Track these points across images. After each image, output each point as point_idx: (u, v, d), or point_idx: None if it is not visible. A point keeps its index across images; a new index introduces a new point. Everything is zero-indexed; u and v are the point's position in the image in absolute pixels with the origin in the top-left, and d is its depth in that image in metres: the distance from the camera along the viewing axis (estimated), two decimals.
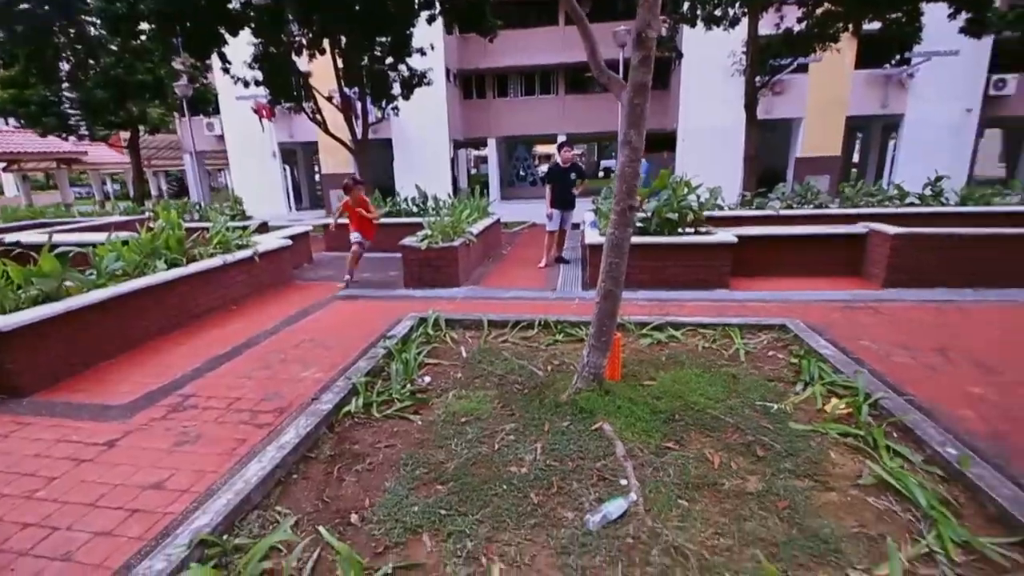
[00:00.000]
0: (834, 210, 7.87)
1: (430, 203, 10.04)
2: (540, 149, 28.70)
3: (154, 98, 18.93)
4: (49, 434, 3.20)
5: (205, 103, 20.65)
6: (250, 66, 12.22)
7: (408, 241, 6.64)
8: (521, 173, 24.35)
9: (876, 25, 10.36)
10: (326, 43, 11.94)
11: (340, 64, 12.31)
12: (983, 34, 10.03)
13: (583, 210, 8.58)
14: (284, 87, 12.73)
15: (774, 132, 17.04)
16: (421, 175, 16.11)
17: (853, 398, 3.01)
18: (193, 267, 5.35)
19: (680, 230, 5.94)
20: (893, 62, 15.24)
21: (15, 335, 3.68)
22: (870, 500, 2.26)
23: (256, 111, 18.12)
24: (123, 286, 4.56)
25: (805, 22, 10.58)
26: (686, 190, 5.98)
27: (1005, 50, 14.34)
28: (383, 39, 12.22)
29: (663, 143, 18.31)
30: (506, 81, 21.19)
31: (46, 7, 14.80)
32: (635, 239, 5.72)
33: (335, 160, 18.24)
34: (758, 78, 11.31)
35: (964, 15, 9.46)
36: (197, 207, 11.04)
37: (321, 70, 13.53)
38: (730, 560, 1.94)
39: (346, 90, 12.77)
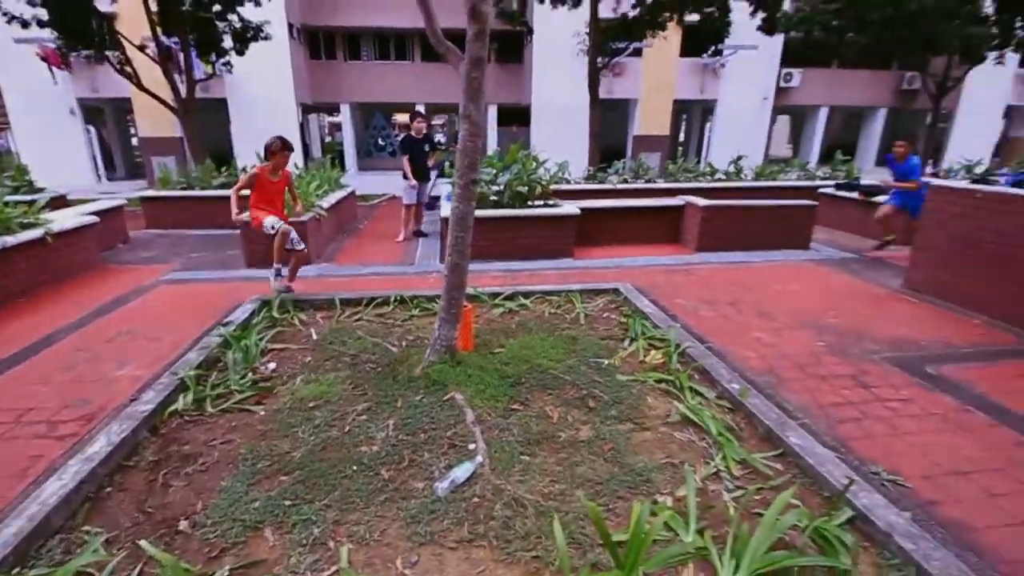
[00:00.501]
0: (661, 184, 8.88)
1: None
2: (400, 118, 27.64)
3: None
4: None
5: None
6: (30, 1, 9.82)
7: (248, 216, 6.02)
8: (380, 143, 23.28)
9: (696, 17, 11.64)
10: None
11: (154, 7, 10.45)
12: (774, 32, 11.83)
13: (440, 181, 8.54)
14: (79, 30, 10.45)
15: (615, 111, 18.46)
16: (264, 140, 14.61)
17: (667, 348, 3.51)
18: None
19: (530, 203, 6.24)
20: (709, 52, 17.31)
21: None
22: (676, 435, 2.69)
23: (44, 58, 14.67)
24: None
25: (638, 9, 11.50)
26: (535, 164, 6.27)
27: (792, 48, 17.14)
28: None
29: (518, 117, 18.80)
30: (358, 42, 19.85)
31: None
32: (488, 212, 5.92)
33: (155, 122, 15.64)
34: (600, 59, 12.08)
35: (760, 15, 11.06)
36: None
37: (132, 12, 11.37)
38: (562, 503, 2.19)
39: (164, 39, 10.92)
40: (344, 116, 19.99)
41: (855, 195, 7.91)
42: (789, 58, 18.00)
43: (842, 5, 11.89)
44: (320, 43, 19.55)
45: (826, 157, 18.67)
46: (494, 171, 6.24)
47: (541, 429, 2.69)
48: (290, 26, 16.58)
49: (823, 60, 17.66)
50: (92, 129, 17.79)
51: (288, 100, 16.97)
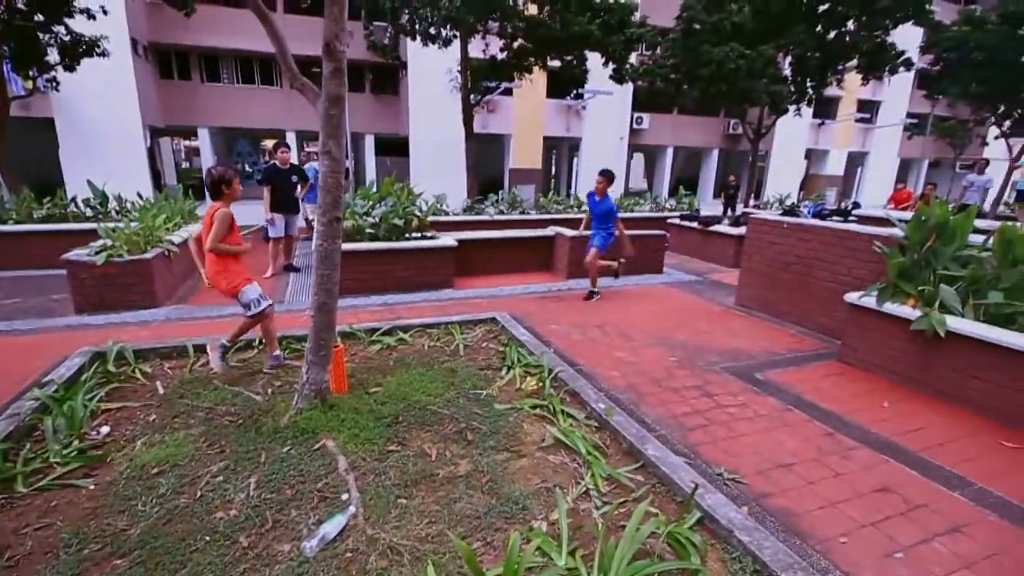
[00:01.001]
0: (534, 216, 9.41)
1: (112, 205, 8.08)
2: (269, 144, 25.96)
3: None
4: None
5: None
6: None
7: (76, 255, 5.22)
8: (247, 169, 21.62)
9: (557, 63, 12.69)
10: None
11: None
12: (623, 82, 13.31)
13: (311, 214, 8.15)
14: None
15: (492, 145, 19.27)
16: (106, 167, 12.85)
17: (541, 374, 3.69)
18: None
19: (407, 235, 6.23)
20: (572, 95, 18.90)
21: None
22: (550, 458, 2.82)
23: None
24: None
25: (506, 53, 12.24)
26: (411, 197, 6.29)
27: (640, 95, 19.39)
28: None
29: (398, 147, 18.74)
30: (217, 64, 18.44)
31: None
32: (364, 245, 5.80)
33: None
34: (472, 96, 12.58)
35: (611, 65, 12.39)
36: None
37: None
38: (439, 545, 2.17)
39: None
40: (203, 141, 18.33)
41: (695, 225, 9.08)
42: (639, 103, 20.32)
43: (677, 61, 13.79)
44: (172, 62, 17.84)
45: (674, 190, 21.19)
46: (369, 203, 6.13)
47: (419, 468, 2.66)
48: (134, 42, 14.95)
49: (667, 106, 20.19)
50: None
51: (133, 121, 15.16)
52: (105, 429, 2.98)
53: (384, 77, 19.25)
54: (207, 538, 2.16)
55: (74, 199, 8.19)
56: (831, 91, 17.05)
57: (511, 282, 6.81)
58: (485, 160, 14.28)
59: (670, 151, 22.69)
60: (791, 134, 22.40)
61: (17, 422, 2.91)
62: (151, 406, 3.27)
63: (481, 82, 13.05)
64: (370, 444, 2.85)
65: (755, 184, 17.75)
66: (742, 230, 7.88)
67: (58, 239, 6.84)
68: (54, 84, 11.04)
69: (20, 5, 9.36)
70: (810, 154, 25.30)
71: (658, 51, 15.19)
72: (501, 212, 9.24)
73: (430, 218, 6.62)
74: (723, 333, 4.99)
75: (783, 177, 22.93)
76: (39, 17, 9.72)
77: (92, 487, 2.50)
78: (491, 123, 17.93)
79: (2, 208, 7.71)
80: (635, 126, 20.73)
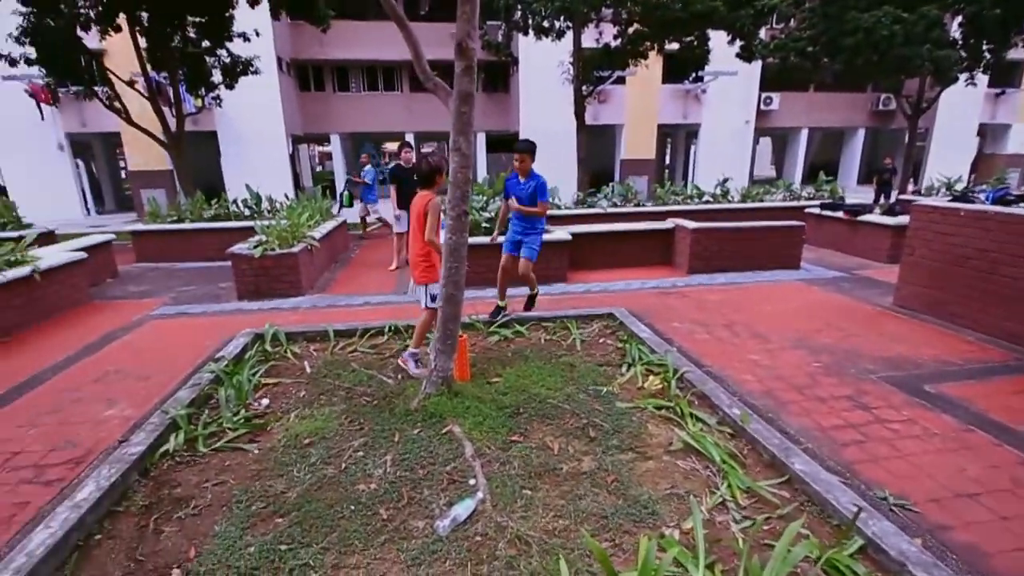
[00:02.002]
0: (650, 208, 9.01)
1: (264, 205, 9.18)
2: (391, 147, 27.91)
3: None
4: None
5: None
6: (18, 40, 9.87)
7: (239, 248, 6.01)
8: None
9: (675, 46, 12.01)
10: (122, 19, 10.13)
11: (144, 44, 10.56)
12: (752, 59, 12.23)
13: None
14: (68, 67, 10.51)
15: (602, 136, 18.85)
16: (256, 173, 14.67)
17: (665, 374, 3.50)
18: None
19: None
20: (690, 79, 17.80)
21: None
22: (679, 463, 2.66)
23: (32, 94, 14.73)
24: None
25: (620, 39, 11.84)
26: None
27: (769, 72, 17.71)
28: (196, 19, 10.76)
29: (507, 144, 19.09)
30: (347, 75, 20.18)
31: None
32: (480, 239, 5.93)
33: (145, 155, 15.68)
34: (584, 87, 12.37)
35: (738, 43, 11.44)
36: None
37: (121, 49, 11.49)
38: (567, 540, 2.14)
39: (154, 75, 11.02)
40: (334, 146, 20.19)
41: (840, 214, 8.07)
42: (768, 82, 18.57)
43: (816, 32, 12.34)
44: (309, 76, 19.86)
45: (809, 177, 19.09)
46: (484, 198, 6.28)
47: (542, 461, 2.65)
48: (279, 60, 16.85)
49: (802, 84, 18.22)
50: (81, 163, 17.78)
51: (278, 132, 17.12)
52: (265, 401, 3.37)
53: (495, 75, 19.69)
54: (352, 507, 2.34)
55: (235, 200, 9.45)
56: (1014, 54, 14.15)
57: (627, 277, 6.59)
58: (595, 152, 14.01)
59: (804, 133, 20.50)
60: (959, 107, 19.08)
61: (198, 391, 3.40)
62: (301, 383, 3.64)
63: (593, 72, 12.80)
64: (493, 433, 2.90)
65: (912, 167, 15.40)
66: (900, 220, 6.88)
67: (223, 235, 7.92)
68: (218, 101, 12.83)
69: (190, 34, 10.98)
70: (984, 130, 21.39)
71: (791, 23, 13.75)
72: (614, 205, 8.99)
73: None
74: (879, 337, 4.36)
75: (948, 158, 19.59)
76: (206, 43, 11.34)
77: (256, 452, 2.83)
78: (602, 114, 17.54)
79: (179, 209, 9.11)
80: (763, 107, 19.01)
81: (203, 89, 12.15)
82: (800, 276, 6.59)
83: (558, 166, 15.09)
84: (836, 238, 8.15)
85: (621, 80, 15.84)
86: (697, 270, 6.63)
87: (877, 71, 12.54)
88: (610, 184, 10.24)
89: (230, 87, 12.17)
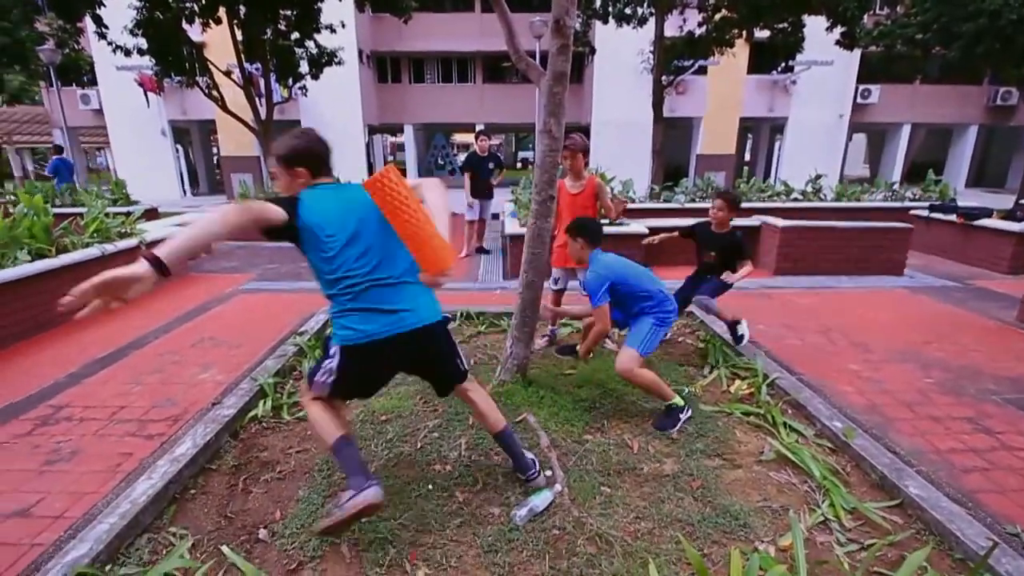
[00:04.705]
0: None
1: None
2: (458, 138, 28.38)
3: (12, 63, 16.09)
4: None
5: (78, 72, 18.09)
6: (132, 32, 10.83)
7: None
8: (439, 162, 23.92)
9: (765, 34, 11.28)
10: (223, 12, 10.86)
11: (240, 36, 11.27)
12: (854, 47, 11.27)
13: (501, 200, 8.57)
14: (173, 58, 11.43)
15: (677, 129, 18.13)
16: (334, 160, 15.27)
17: (753, 379, 3.26)
18: (64, 258, 4.67)
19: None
20: (779, 69, 16.70)
21: None
22: (772, 474, 2.45)
23: (140, 83, 16.17)
24: None
25: (705, 26, 11.27)
26: (603, 181, 6.15)
27: (869, 62, 16.27)
28: (288, 12, 11.34)
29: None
30: (423, 66, 20.64)
31: None
32: None
33: (236, 141, 16.81)
34: (664, 77, 11.90)
35: (839, 29, 10.56)
36: (70, 190, 9.63)
37: (218, 41, 12.36)
38: (651, 543, 2.01)
39: (247, 65, 11.75)
40: (407, 136, 20.73)
41: (952, 218, 7.26)
42: (867, 73, 17.10)
43: (928, 18, 11.16)
44: (387, 67, 20.47)
45: (910, 176, 17.47)
46: None
47: (621, 459, 2.53)
48: (360, 52, 17.46)
49: (906, 75, 16.63)
50: (180, 148, 19.33)
51: (356, 122, 17.79)
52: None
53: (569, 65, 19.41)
54: (428, 487, 2.33)
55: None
56: None
57: None
58: (668, 147, 13.46)
59: (906, 129, 18.73)
60: None
61: (283, 362, 3.54)
62: None
63: (674, 62, 12.29)
64: (569, 425, 2.81)
65: None
66: None
67: None
68: (304, 90, 13.48)
69: (281, 26, 11.57)
70: None
71: (899, 8, 12.53)
72: (692, 200, 8.57)
73: None
74: (1003, 355, 3.86)
75: None
76: (295, 35, 11.92)
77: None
78: (679, 106, 16.84)
79: (267, 192, 9.64)
80: (859, 100, 17.53)
81: (291, 79, 12.82)
82: (904, 283, 5.99)
83: (631, 159, 14.70)
84: (946, 244, 7.34)
85: (702, 70, 15.14)
86: (785, 271, 6.19)
87: (1000, 61, 11.18)
88: (686, 178, 9.79)
89: (315, 77, 12.77)
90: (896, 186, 9.93)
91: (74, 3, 9.92)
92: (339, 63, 12.82)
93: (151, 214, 8.48)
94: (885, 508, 2.22)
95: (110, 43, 10.90)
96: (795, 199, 9.02)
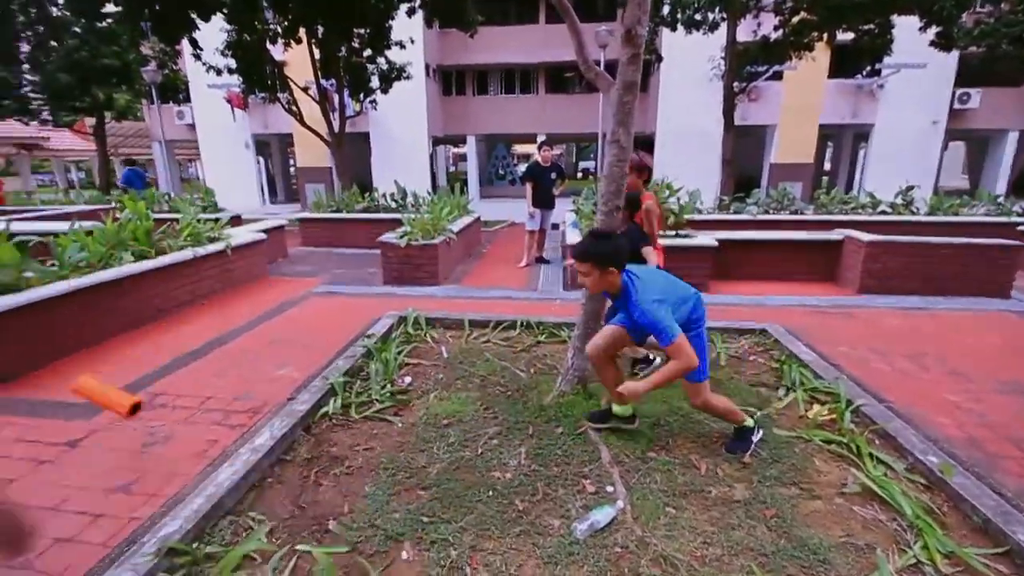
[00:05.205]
0: (809, 216, 8.03)
1: (409, 199, 9.87)
2: (519, 149, 28.68)
3: (121, 83, 18.08)
4: (6, 432, 3.00)
5: (175, 90, 19.93)
6: (222, 53, 11.80)
7: (387, 237, 6.50)
8: (500, 172, 24.28)
9: (849, 36, 10.63)
10: (302, 32, 11.62)
11: (317, 55, 12.00)
12: (951, 48, 10.39)
13: (563, 210, 8.56)
14: (258, 76, 12.34)
15: (749, 138, 17.39)
16: (399, 170, 15.88)
17: (835, 404, 3.04)
18: (162, 260, 5.11)
19: (661, 232, 5.96)
20: (864, 73, 15.67)
21: None
22: (856, 509, 2.27)
23: (228, 100, 17.56)
24: (87, 278, 4.32)
25: (781, 30, 10.78)
26: (667, 192, 6.01)
27: (969, 65, 14.93)
28: (361, 31, 11.96)
29: (642, 145, 18.49)
30: (486, 78, 21.08)
31: None
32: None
33: (311, 153, 17.83)
34: (736, 83, 11.48)
35: (933, 29, 9.78)
36: (166, 197, 10.60)
37: (298, 60, 13.19)
38: (720, 570, 1.92)
39: (323, 82, 12.47)
40: (470, 147, 21.20)
41: None
42: (965, 76, 15.70)
43: None
44: (452, 80, 21.08)
45: (1016, 189, 15.87)
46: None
47: (687, 480, 2.43)
48: (427, 66, 18.08)
49: (1011, 78, 15.12)
50: (261, 160, 20.76)
51: (421, 134, 18.41)
52: (408, 379, 3.56)
53: None
54: (488, 493, 2.35)
55: (383, 195, 10.30)
56: None
57: (780, 291, 5.93)
58: (739, 156, 12.93)
59: (1012, 136, 16.98)
60: None
61: (352, 363, 3.69)
62: (438, 366, 3.79)
63: (746, 67, 11.84)
64: (632, 441, 2.74)
65: None
66: None
67: (372, 225, 8.65)
68: (374, 104, 14.12)
69: (354, 44, 12.20)
70: None
71: (1003, 5, 11.44)
72: (765, 211, 8.17)
73: (684, 216, 6.20)
74: None
75: None
76: (367, 52, 12.53)
77: (400, 425, 2.99)
78: (752, 113, 16.15)
79: (338, 201, 10.15)
80: (957, 105, 16.10)
81: (363, 94, 13.48)
82: (1011, 307, 5.40)
83: (698, 169, 14.28)
84: None
85: (777, 76, 14.47)
86: (870, 289, 5.76)
87: None
88: (752, 191, 9.35)
89: (385, 92, 13.35)
90: (1001, 199, 8.99)
91: (174, 28, 10.93)
92: (407, 77, 13.34)
93: (236, 221, 9.14)
94: (989, 556, 1.99)
95: (204, 63, 11.91)
96: (882, 212, 8.38)
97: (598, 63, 3.64)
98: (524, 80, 20.90)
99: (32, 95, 17.22)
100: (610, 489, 2.38)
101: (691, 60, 14.65)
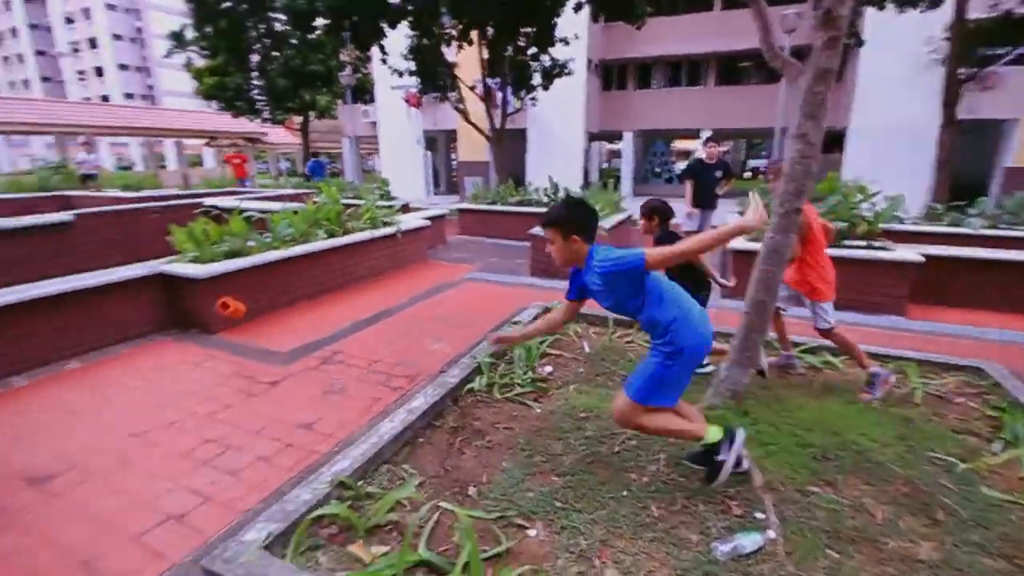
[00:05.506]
0: None
1: (561, 194, 10.01)
2: (678, 145, 27.22)
3: (324, 86, 21.42)
4: (227, 368, 3.76)
5: (364, 92, 22.85)
6: (405, 57, 13.15)
7: (538, 230, 6.67)
8: (656, 170, 23.34)
9: None
10: (474, 34, 12.41)
11: (485, 55, 12.74)
12: None
13: (726, 212, 7.93)
14: (433, 77, 13.53)
15: (973, 135, 14.26)
16: (553, 166, 16.18)
17: None
18: (347, 238, 5.92)
19: (847, 242, 5.19)
20: None
21: (210, 282, 4.38)
22: None
23: (406, 100, 19.57)
24: (291, 250, 5.20)
25: None
26: (859, 196, 5.20)
27: None
28: (528, 29, 12.38)
29: (830, 142, 16.30)
30: (649, 71, 20.39)
31: (243, 5, 17.32)
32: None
33: (471, 148, 19.05)
34: (962, 70, 9.48)
35: None
36: (351, 185, 12.24)
37: (467, 61, 14.15)
38: None
39: (488, 80, 13.20)
40: (625, 143, 20.75)
41: None
42: None
43: None
44: (613, 74, 20.78)
45: None
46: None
47: (858, 525, 2.11)
48: (589, 61, 18.05)
49: None
50: (428, 154, 22.76)
51: (578, 129, 18.51)
52: (548, 368, 3.63)
53: None
54: (623, 492, 2.30)
55: (535, 189, 10.59)
56: None
57: (1005, 323, 4.80)
58: (959, 156, 10.67)
59: None
60: None
61: (498, 346, 3.87)
62: (579, 360, 3.80)
63: (975, 50, 9.72)
64: (790, 470, 2.46)
65: None
66: None
67: (524, 218, 8.94)
68: (534, 101, 14.55)
69: (520, 43, 12.64)
70: None
71: None
72: (992, 226, 6.61)
73: (880, 225, 5.29)
74: None
75: None
76: (532, 50, 12.92)
77: (538, 410, 3.07)
78: (983, 105, 13.20)
79: (495, 194, 10.69)
80: None
81: (524, 91, 13.99)
82: None
83: (900, 170, 12.13)
84: None
85: (1022, 59, 11.63)
86: None
87: None
88: (984, 198, 7.59)
89: (546, 88, 13.69)
90: None
91: (368, 36, 12.48)
92: (568, 73, 13.50)
93: (405, 208, 10.19)
94: None
95: (389, 67, 13.39)
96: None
97: (782, 50, 3.28)
98: (691, 72, 19.78)
99: (257, 97, 21.13)
100: (760, 516, 2.17)
101: (900, 43, 12.48)
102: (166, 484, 2.46)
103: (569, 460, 2.56)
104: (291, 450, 2.74)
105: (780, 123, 12.60)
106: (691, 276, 3.18)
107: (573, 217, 2.16)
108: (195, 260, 4.61)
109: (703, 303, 3.22)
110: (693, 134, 19.57)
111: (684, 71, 19.94)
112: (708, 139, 6.97)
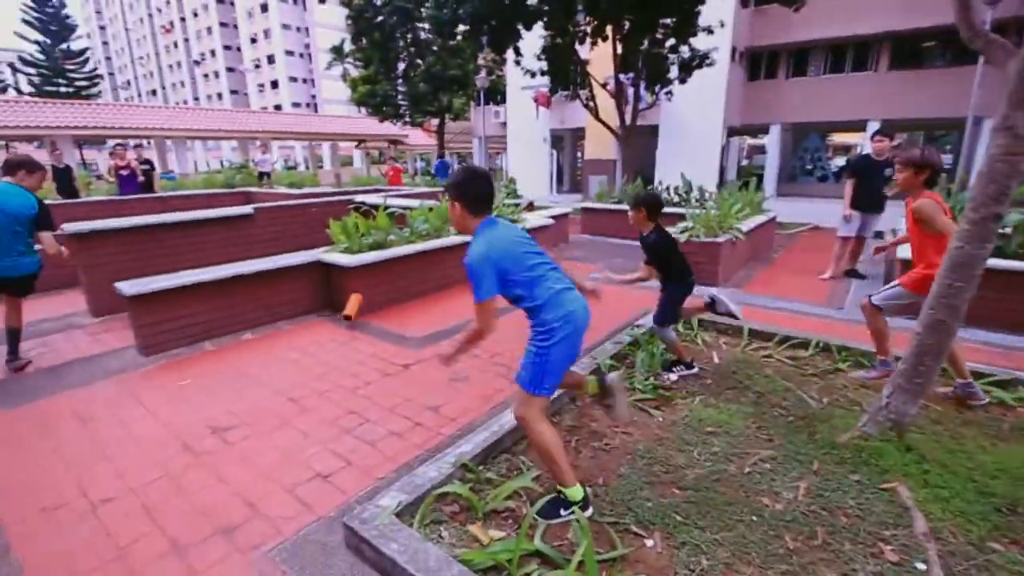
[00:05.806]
0: None
1: (694, 194, 9.47)
2: (836, 139, 24.14)
3: (459, 90, 22.69)
4: (368, 348, 4.18)
5: (495, 94, 23.73)
6: (538, 57, 13.34)
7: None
8: (807, 166, 20.97)
9: None
10: (608, 30, 12.18)
11: (619, 50, 12.45)
12: None
13: (896, 215, 6.86)
14: (565, 76, 13.55)
15: None
16: (685, 163, 15.34)
17: None
18: None
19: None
20: None
21: (357, 271, 4.90)
22: None
23: (536, 99, 19.92)
24: (426, 244, 5.61)
25: None
26: None
27: None
28: (667, 20, 11.83)
29: None
30: (805, 57, 18.32)
31: (394, 17, 18.95)
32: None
33: (598, 146, 18.78)
34: None
35: None
36: None
37: (598, 58, 13.95)
38: None
39: (620, 76, 12.88)
40: (771, 138, 18.98)
41: None
42: None
43: None
44: (761, 63, 19.04)
45: None
46: None
47: None
48: (733, 49, 16.75)
49: None
50: (554, 153, 22.94)
51: (716, 124, 17.31)
52: (673, 377, 3.47)
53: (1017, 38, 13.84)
54: (753, 517, 2.13)
55: (666, 188, 10.11)
56: None
57: None
58: None
59: None
60: None
61: (618, 348, 3.82)
62: (707, 371, 3.57)
63: None
64: (964, 519, 2.08)
65: None
66: None
67: None
68: (669, 96, 13.86)
69: (658, 35, 12.07)
70: None
71: None
72: None
73: None
74: None
75: None
76: (671, 42, 12.29)
77: (660, 419, 2.95)
78: None
79: (622, 192, 10.43)
80: None
81: (659, 85, 13.42)
82: None
83: None
84: None
85: None
86: None
87: None
88: None
89: (683, 82, 12.97)
90: None
91: (505, 39, 12.88)
92: (710, 64, 12.65)
93: (530, 207, 10.42)
94: None
95: (523, 68, 13.69)
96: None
97: (984, 26, 2.72)
98: (858, 55, 17.38)
99: (400, 102, 23.02)
100: (920, 566, 1.87)
101: None
102: (316, 446, 2.81)
103: (692, 474, 2.43)
104: (420, 429, 2.97)
105: (974, 112, 10.60)
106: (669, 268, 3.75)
107: (455, 180, 2.22)
108: (346, 251, 5.19)
109: (691, 286, 3.66)
110: (857, 126, 17.21)
111: (849, 55, 17.58)
112: (876, 132, 6.09)
